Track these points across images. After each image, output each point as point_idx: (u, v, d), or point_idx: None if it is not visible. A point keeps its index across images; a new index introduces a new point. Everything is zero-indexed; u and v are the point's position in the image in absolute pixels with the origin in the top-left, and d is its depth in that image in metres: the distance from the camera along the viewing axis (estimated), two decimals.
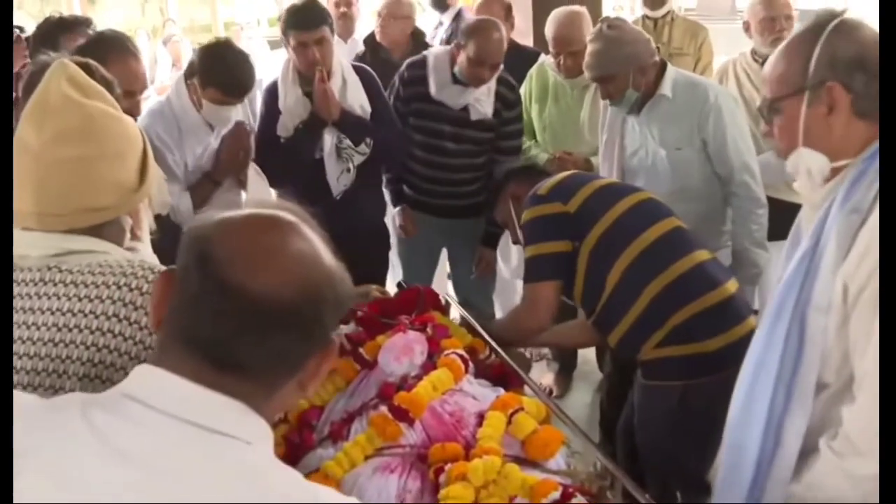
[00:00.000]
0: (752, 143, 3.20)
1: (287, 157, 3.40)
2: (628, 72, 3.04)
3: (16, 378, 1.36)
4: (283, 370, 1.04)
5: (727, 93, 3.26)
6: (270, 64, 11.90)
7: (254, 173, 3.20)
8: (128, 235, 1.48)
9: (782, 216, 3.71)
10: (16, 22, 3.64)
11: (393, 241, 3.94)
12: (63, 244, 1.38)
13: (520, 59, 4.04)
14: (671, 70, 3.14)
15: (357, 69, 3.57)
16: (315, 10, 3.34)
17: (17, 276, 1.39)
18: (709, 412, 2.44)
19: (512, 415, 2.01)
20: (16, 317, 1.37)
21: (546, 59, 3.95)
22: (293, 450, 2.06)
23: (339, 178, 3.49)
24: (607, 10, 5.97)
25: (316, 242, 1.05)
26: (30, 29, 3.80)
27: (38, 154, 1.36)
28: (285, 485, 1.02)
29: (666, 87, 3.09)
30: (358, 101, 3.48)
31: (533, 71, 4.01)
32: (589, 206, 2.54)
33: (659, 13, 4.51)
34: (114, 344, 1.35)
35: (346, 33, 4.98)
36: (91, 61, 1.97)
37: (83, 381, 1.36)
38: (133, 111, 2.42)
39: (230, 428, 1.00)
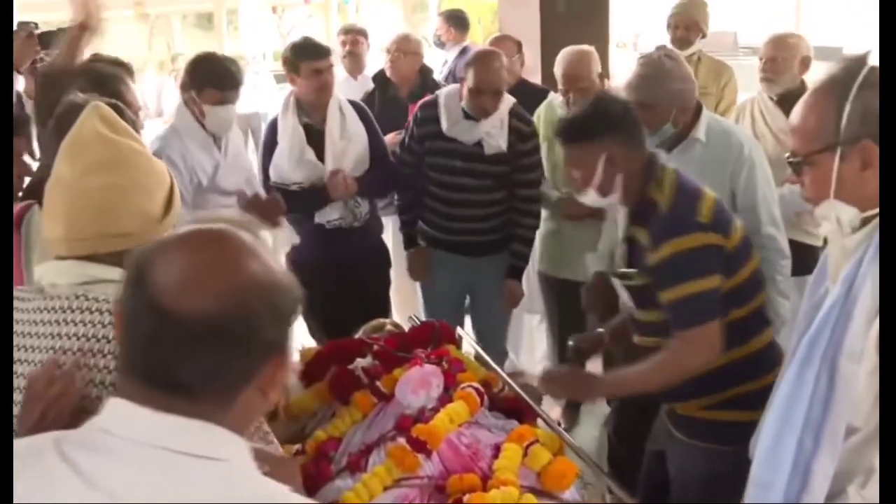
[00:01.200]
0: (776, 194, 3.16)
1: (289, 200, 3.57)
2: (671, 106, 2.93)
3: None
4: (229, 384, 1.03)
5: (758, 144, 3.21)
6: (277, 98, 12.12)
7: None
8: None
9: (794, 254, 3.79)
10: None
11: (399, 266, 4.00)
12: (90, 272, 1.44)
13: (529, 97, 4.11)
14: (706, 113, 3.09)
15: (352, 104, 3.79)
16: (321, 43, 3.69)
17: (47, 303, 1.45)
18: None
19: (527, 447, 2.06)
20: (43, 342, 1.43)
21: (554, 97, 4.01)
22: (311, 481, 2.10)
23: (340, 219, 3.69)
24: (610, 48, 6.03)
25: (252, 252, 1.05)
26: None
27: (70, 184, 1.46)
28: (264, 496, 1.04)
29: (700, 131, 3.01)
30: (357, 133, 3.69)
31: (541, 109, 4.06)
32: (743, 246, 2.30)
33: (686, 53, 4.55)
34: None
35: (356, 70, 5.06)
36: (119, 103, 2.05)
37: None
38: None
39: (201, 449, 1.00)
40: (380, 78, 4.72)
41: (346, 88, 4.45)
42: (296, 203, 3.60)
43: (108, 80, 2.65)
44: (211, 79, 3.24)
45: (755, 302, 2.35)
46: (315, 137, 3.65)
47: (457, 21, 5.50)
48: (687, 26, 4.54)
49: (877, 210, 1.55)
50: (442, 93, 3.78)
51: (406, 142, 3.79)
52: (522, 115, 3.69)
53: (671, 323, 2.24)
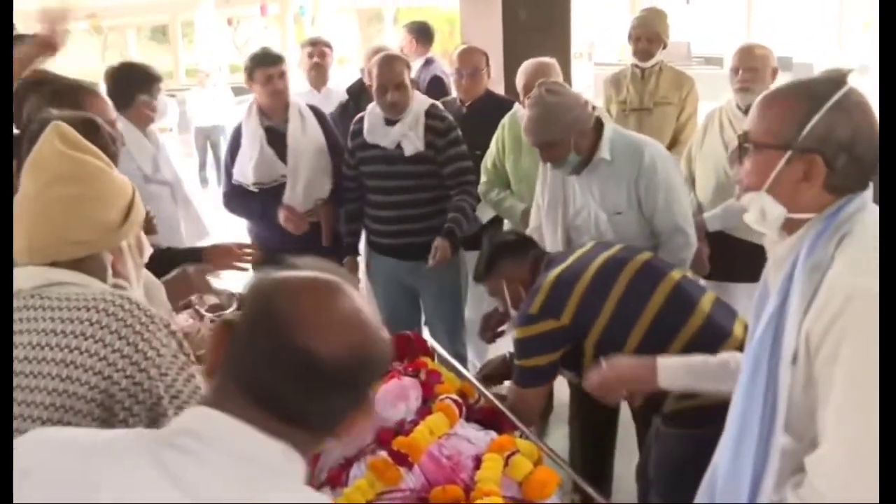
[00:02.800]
0: (687, 203, 3.22)
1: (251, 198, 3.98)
2: (569, 138, 3.01)
3: None
4: (334, 424, 1.13)
5: (665, 154, 3.24)
6: (236, 111, 12.04)
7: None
8: (109, 272, 1.60)
9: (750, 258, 3.85)
10: None
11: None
12: (47, 275, 1.52)
13: (495, 108, 4.15)
14: (608, 130, 3.12)
15: (312, 108, 4.10)
16: (273, 52, 4.02)
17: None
18: None
19: (508, 457, 2.07)
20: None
21: (519, 110, 4.03)
22: None
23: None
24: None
25: (364, 305, 1.14)
26: None
27: (31, 198, 1.55)
28: None
29: (604, 150, 3.08)
30: (315, 136, 4.01)
31: (505, 120, 4.08)
32: (583, 309, 2.53)
33: (648, 64, 4.62)
34: (76, 375, 1.44)
35: (320, 83, 5.07)
36: (97, 118, 2.04)
37: (49, 409, 1.44)
38: None
39: (283, 468, 1.08)
40: (355, 89, 4.73)
41: (310, 101, 4.46)
42: (257, 202, 3.96)
43: (67, 93, 2.63)
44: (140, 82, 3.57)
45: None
46: (276, 139, 3.95)
47: (421, 33, 5.51)
48: (649, 38, 4.59)
49: (806, 216, 1.61)
50: (369, 106, 3.89)
51: (345, 157, 3.95)
52: (437, 114, 3.80)
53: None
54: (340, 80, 5.36)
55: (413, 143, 3.72)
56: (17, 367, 1.45)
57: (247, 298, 1.13)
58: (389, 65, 3.69)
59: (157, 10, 23.89)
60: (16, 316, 1.49)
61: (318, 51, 5.05)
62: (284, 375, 1.07)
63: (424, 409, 2.28)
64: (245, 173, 3.97)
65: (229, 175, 4.06)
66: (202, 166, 12.00)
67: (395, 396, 2.26)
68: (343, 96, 4.88)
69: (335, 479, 2.11)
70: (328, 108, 4.42)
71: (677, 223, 3.10)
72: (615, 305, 2.51)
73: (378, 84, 3.67)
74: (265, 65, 3.87)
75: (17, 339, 1.47)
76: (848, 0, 26.77)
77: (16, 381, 1.44)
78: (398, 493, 2.00)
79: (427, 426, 2.14)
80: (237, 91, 12.62)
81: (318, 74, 5.05)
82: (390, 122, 3.73)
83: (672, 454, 2.56)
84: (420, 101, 3.78)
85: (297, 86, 5.14)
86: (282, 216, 3.88)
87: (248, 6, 25.51)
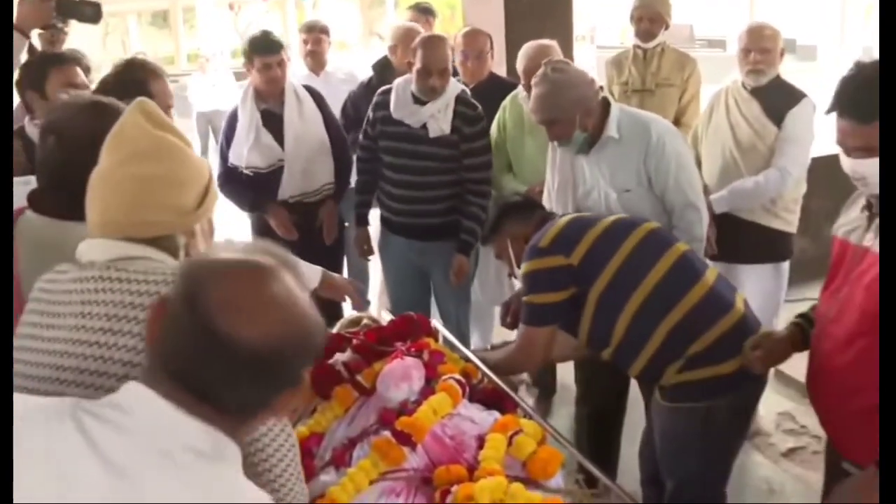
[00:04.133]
0: (697, 178, 3.22)
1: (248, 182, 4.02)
2: (575, 115, 3.03)
3: (59, 374, 1.45)
4: (258, 407, 1.17)
5: (673, 130, 3.26)
6: (238, 96, 12.02)
7: None
8: (182, 253, 1.60)
9: (756, 239, 3.85)
10: None
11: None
12: (124, 250, 1.52)
13: (500, 90, 4.14)
14: (615, 109, 3.13)
15: (308, 90, 4.12)
16: (274, 38, 3.99)
17: (82, 274, 1.52)
18: (731, 429, 2.58)
19: (512, 436, 2.08)
20: (73, 308, 1.50)
21: (520, 92, 4.02)
22: None
23: (301, 195, 4.04)
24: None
25: (297, 292, 1.16)
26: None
27: (108, 172, 1.55)
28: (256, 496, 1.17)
29: (612, 128, 3.09)
30: (313, 118, 4.03)
31: (506, 102, 4.08)
32: (593, 255, 2.56)
33: (650, 45, 4.61)
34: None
35: (318, 68, 5.07)
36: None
37: (122, 381, 1.41)
38: None
39: (206, 449, 1.12)
40: (380, 66, 4.71)
41: (311, 84, 4.47)
42: (253, 186, 3.99)
43: (138, 70, 2.74)
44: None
45: (714, 332, 2.51)
46: (273, 122, 3.96)
47: (429, 12, 5.54)
48: (651, 18, 4.57)
49: None
50: (398, 80, 3.86)
51: (364, 126, 3.92)
52: (468, 101, 3.79)
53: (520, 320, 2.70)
54: (341, 64, 5.36)
55: (440, 126, 3.69)
56: (92, 337, 1.45)
57: (179, 278, 1.15)
58: (437, 48, 3.66)
59: None
60: (91, 286, 1.50)
61: (313, 38, 5.06)
62: (204, 358, 1.10)
63: (427, 390, 2.28)
64: (241, 156, 3.97)
65: (224, 158, 4.06)
66: (203, 151, 11.97)
67: (398, 377, 2.26)
68: (344, 79, 4.92)
69: (339, 460, 2.11)
70: (327, 92, 4.40)
71: (689, 198, 3.10)
72: (622, 261, 2.55)
73: (422, 65, 3.62)
74: (263, 53, 3.87)
75: (93, 309, 1.47)
76: None
77: (91, 350, 1.45)
78: (402, 472, 2.01)
79: (430, 406, 2.14)
80: (239, 76, 12.56)
81: (315, 60, 5.06)
82: (419, 101, 3.70)
83: (673, 428, 2.61)
84: (452, 86, 3.75)
85: (299, 69, 5.17)
86: (272, 221, 3.93)
87: None
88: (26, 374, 1.47)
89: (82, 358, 1.45)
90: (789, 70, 3.92)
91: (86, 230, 1.57)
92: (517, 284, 3.46)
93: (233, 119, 4.04)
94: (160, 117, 1.59)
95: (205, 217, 1.62)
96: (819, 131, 3.88)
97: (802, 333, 2.31)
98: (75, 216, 1.65)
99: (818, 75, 13.65)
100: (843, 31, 25.95)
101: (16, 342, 1.51)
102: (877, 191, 1.96)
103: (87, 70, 3.71)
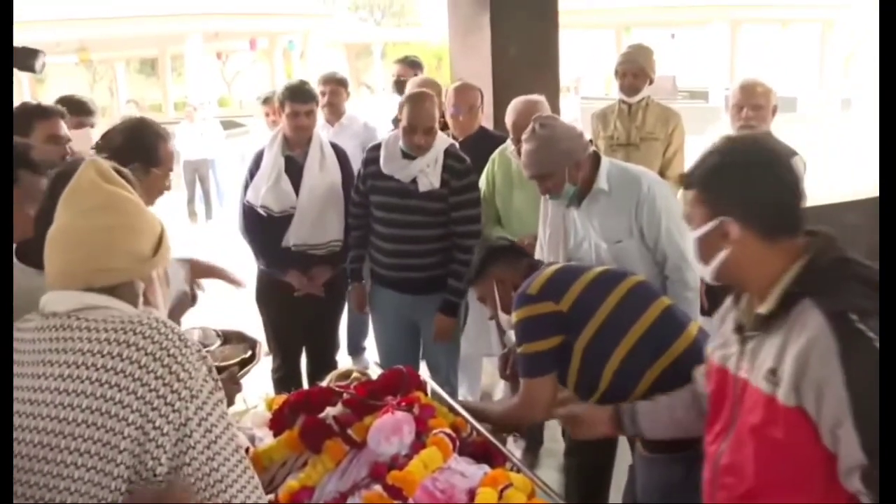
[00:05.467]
0: (687, 230, 3.28)
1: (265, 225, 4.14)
2: (564, 168, 3.09)
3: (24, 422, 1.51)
4: None
5: (662, 182, 3.33)
6: (224, 145, 12.10)
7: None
8: (140, 299, 1.66)
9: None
10: None
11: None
12: (85, 300, 1.58)
13: (489, 144, 4.20)
14: (605, 162, 3.20)
15: (334, 147, 4.24)
16: (308, 88, 4.14)
17: (46, 323, 1.59)
18: None
19: (502, 490, 2.08)
20: (38, 357, 1.56)
21: (508, 146, 4.07)
22: None
23: (305, 245, 4.12)
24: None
25: None
26: None
27: (67, 227, 1.62)
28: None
29: (602, 181, 3.15)
30: (332, 173, 4.14)
31: (495, 156, 4.13)
32: (581, 303, 2.56)
33: (634, 99, 4.69)
34: (111, 394, 1.47)
35: (334, 118, 5.22)
36: (122, 168, 2.04)
37: (81, 426, 1.47)
38: None
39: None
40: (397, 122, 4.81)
41: (323, 134, 4.62)
42: (263, 226, 4.12)
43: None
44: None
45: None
46: (294, 170, 4.09)
47: (415, 67, 5.65)
48: (635, 74, 4.66)
49: None
50: (387, 135, 3.95)
51: (356, 182, 3.99)
52: (457, 154, 3.83)
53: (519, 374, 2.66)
54: (354, 115, 5.51)
55: (429, 180, 3.73)
56: (53, 384, 1.49)
57: None
58: (422, 106, 3.71)
59: (147, 43, 24.01)
60: (53, 335, 1.55)
61: (330, 88, 5.19)
62: None
63: (418, 444, 2.29)
64: (257, 195, 4.08)
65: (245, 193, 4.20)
66: (191, 199, 12.02)
67: (389, 431, 2.27)
68: (358, 131, 5.16)
69: None
70: (341, 141, 4.55)
71: (680, 249, 3.12)
72: (609, 311, 2.55)
73: (408, 123, 3.68)
74: (295, 101, 4.02)
75: (54, 357, 1.52)
76: (830, 34, 27.21)
77: (52, 397, 1.48)
78: None
79: (421, 460, 2.15)
80: (226, 125, 12.68)
81: (332, 111, 5.19)
82: (408, 156, 3.75)
83: (652, 479, 2.60)
84: (441, 140, 3.79)
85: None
86: (294, 282, 4.07)
87: (237, 40, 25.72)
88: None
89: (39, 419, 1.50)
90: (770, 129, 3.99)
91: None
92: (506, 336, 3.47)
93: (258, 158, 4.16)
94: (112, 175, 1.68)
95: (161, 265, 1.70)
96: (807, 186, 3.95)
97: (618, 417, 2.32)
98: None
99: (798, 126, 13.87)
100: (822, 82, 26.44)
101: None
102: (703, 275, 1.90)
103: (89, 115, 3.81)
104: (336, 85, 5.24)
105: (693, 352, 2.51)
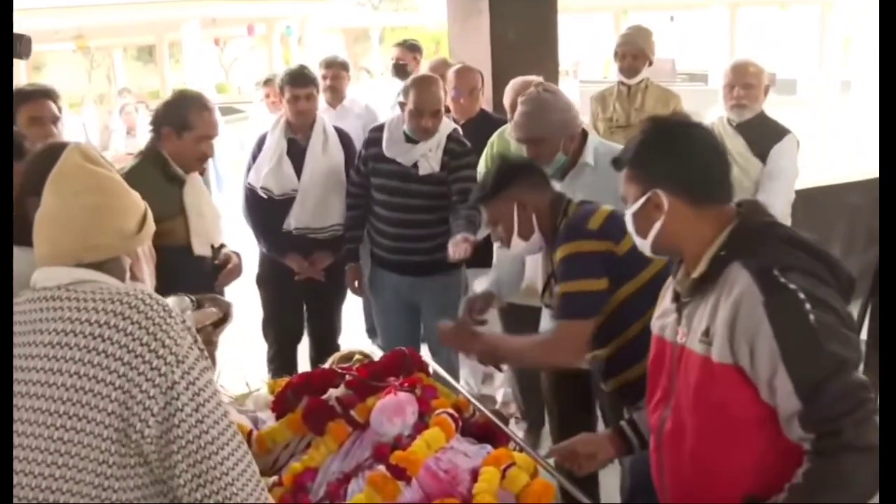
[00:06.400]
0: None
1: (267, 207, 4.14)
2: (560, 137, 3.05)
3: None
4: None
5: None
6: (224, 130, 12.04)
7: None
8: (128, 274, 1.74)
9: None
10: None
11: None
12: (75, 274, 1.64)
13: (489, 127, 4.21)
14: (593, 138, 3.20)
15: (337, 130, 4.25)
16: (307, 72, 4.18)
17: (36, 294, 1.64)
18: None
19: (505, 469, 2.10)
20: (28, 327, 1.61)
21: (507, 128, 4.07)
22: None
23: (306, 229, 4.13)
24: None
25: None
26: None
27: (57, 208, 1.69)
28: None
29: (588, 156, 3.14)
30: (335, 157, 4.14)
31: (494, 138, 4.13)
32: (635, 253, 2.32)
33: (633, 81, 4.69)
34: (98, 360, 1.53)
35: (336, 101, 5.25)
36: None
37: (70, 390, 1.52)
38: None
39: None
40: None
41: (325, 117, 4.63)
42: (263, 208, 4.12)
43: None
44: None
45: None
46: (296, 153, 4.10)
47: (415, 50, 5.67)
48: (634, 55, 4.66)
49: None
50: (390, 118, 3.97)
51: (356, 163, 4.00)
52: (459, 139, 3.85)
53: (555, 314, 2.52)
54: (355, 97, 5.56)
55: (430, 164, 3.75)
56: (43, 351, 1.55)
57: None
58: (429, 90, 3.72)
59: (144, 30, 23.93)
60: (43, 305, 1.61)
61: (332, 73, 5.23)
62: None
63: (421, 424, 2.30)
64: (258, 177, 4.09)
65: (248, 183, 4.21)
66: None
67: (391, 411, 2.28)
68: (360, 113, 5.18)
69: (333, 494, 2.13)
70: (343, 124, 4.57)
71: None
72: (652, 275, 2.45)
73: (414, 107, 3.68)
74: (294, 85, 4.03)
75: (44, 326, 1.58)
76: (829, 16, 27.12)
77: (42, 363, 1.54)
78: None
79: (424, 440, 2.17)
80: (224, 111, 12.60)
81: (333, 95, 5.22)
82: (411, 140, 3.77)
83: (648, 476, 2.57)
84: (445, 125, 3.81)
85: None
86: (295, 267, 4.07)
87: (234, 26, 25.63)
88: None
89: (31, 384, 1.55)
90: (769, 104, 4.00)
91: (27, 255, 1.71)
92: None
93: (261, 142, 4.18)
94: (96, 156, 1.77)
95: (145, 241, 1.78)
96: (802, 166, 3.94)
97: (623, 437, 2.24)
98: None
99: (798, 108, 13.84)
100: (822, 65, 26.37)
101: None
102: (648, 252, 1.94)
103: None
104: (338, 69, 5.27)
105: None
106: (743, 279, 1.69)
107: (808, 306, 1.62)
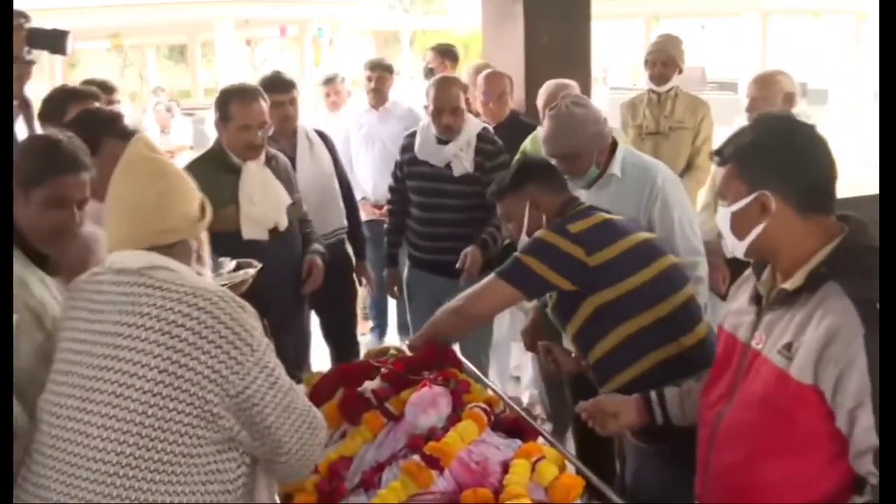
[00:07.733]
0: (698, 225, 3.31)
1: None
2: (592, 151, 3.06)
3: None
4: None
5: (675, 178, 3.34)
6: None
7: None
8: (194, 257, 1.88)
9: None
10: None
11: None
12: (150, 259, 1.80)
13: (520, 129, 4.28)
14: (621, 149, 3.21)
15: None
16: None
17: (118, 278, 1.80)
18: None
19: (535, 463, 2.16)
20: (109, 306, 1.77)
21: (540, 132, 4.11)
22: (325, 498, 2.20)
23: None
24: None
25: None
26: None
27: (129, 194, 1.84)
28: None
29: (616, 167, 3.15)
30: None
31: (527, 143, 4.19)
32: (612, 266, 2.48)
33: (663, 88, 4.74)
34: (179, 347, 1.71)
35: (379, 103, 5.30)
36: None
37: (156, 378, 1.70)
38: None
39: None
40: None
41: (367, 118, 4.73)
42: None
43: None
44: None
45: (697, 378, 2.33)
46: None
47: (448, 55, 5.73)
48: (664, 63, 4.71)
49: None
50: (422, 122, 4.06)
51: (394, 170, 4.09)
52: (490, 138, 3.92)
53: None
54: (398, 100, 5.56)
55: (463, 164, 3.82)
56: (127, 331, 1.72)
57: None
58: (446, 88, 3.81)
59: (177, 30, 24.17)
60: (125, 290, 1.76)
61: (377, 75, 5.30)
62: None
63: (454, 417, 2.37)
64: None
65: None
66: None
67: (426, 404, 2.35)
68: (402, 115, 5.21)
69: (368, 482, 2.20)
70: (387, 126, 4.74)
71: (693, 245, 3.17)
72: (639, 284, 2.50)
73: (434, 106, 3.79)
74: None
75: (129, 308, 1.74)
76: (863, 26, 26.86)
77: (126, 342, 1.71)
78: (430, 495, 2.09)
79: (458, 432, 2.23)
80: None
81: (377, 97, 5.29)
82: (442, 142, 3.84)
83: (646, 468, 2.60)
84: (473, 124, 3.89)
85: (360, 105, 5.55)
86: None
87: (267, 27, 25.84)
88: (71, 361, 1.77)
89: (96, 357, 1.75)
90: (799, 114, 4.04)
91: None
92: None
93: None
94: (155, 146, 1.93)
95: (206, 226, 1.91)
96: None
97: (648, 406, 2.26)
98: None
99: (828, 119, 13.75)
100: (856, 75, 26.12)
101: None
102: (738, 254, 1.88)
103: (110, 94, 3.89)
104: (382, 71, 5.34)
105: (700, 350, 2.50)
106: (842, 305, 1.65)
107: None
